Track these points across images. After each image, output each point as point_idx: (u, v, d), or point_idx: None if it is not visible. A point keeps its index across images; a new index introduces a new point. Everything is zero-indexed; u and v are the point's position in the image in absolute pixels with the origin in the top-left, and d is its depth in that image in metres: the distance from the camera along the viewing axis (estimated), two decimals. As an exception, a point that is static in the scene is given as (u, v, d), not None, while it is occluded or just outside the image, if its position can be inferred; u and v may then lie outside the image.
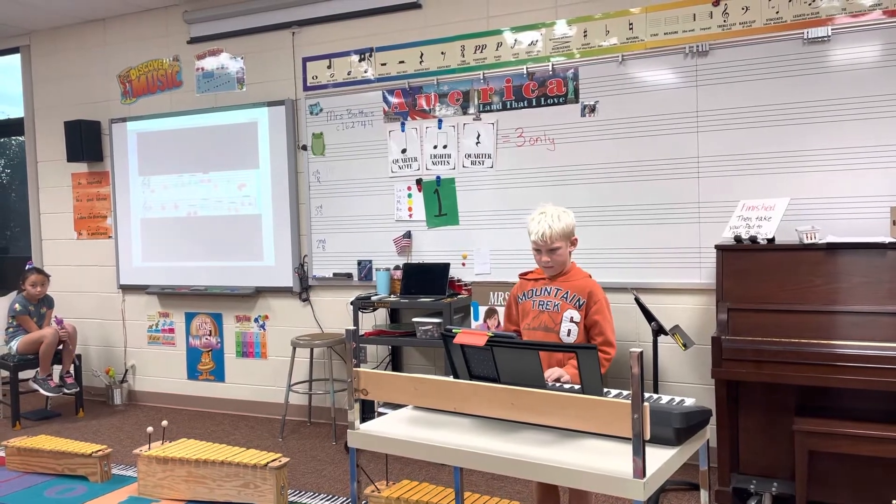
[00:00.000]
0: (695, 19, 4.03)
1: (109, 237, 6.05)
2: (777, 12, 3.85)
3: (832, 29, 3.73)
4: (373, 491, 3.39)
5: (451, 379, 2.18)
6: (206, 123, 5.53)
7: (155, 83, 5.80)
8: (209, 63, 5.56)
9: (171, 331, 5.85)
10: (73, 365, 5.56)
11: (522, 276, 2.99)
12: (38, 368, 5.37)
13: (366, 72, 4.98)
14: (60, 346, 5.46)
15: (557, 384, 2.55)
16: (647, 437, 1.72)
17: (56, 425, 5.37)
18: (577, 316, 2.80)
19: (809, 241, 3.40)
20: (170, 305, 5.85)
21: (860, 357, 3.08)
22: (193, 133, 5.59)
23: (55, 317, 5.66)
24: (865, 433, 3.05)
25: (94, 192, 6.12)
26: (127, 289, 5.98)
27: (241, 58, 5.44)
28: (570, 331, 2.80)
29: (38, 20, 5.98)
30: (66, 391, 5.46)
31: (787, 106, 3.84)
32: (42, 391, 5.39)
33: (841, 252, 3.33)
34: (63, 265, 6.27)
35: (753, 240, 3.52)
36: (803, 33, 3.78)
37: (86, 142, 5.90)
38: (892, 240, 3.29)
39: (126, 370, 6.04)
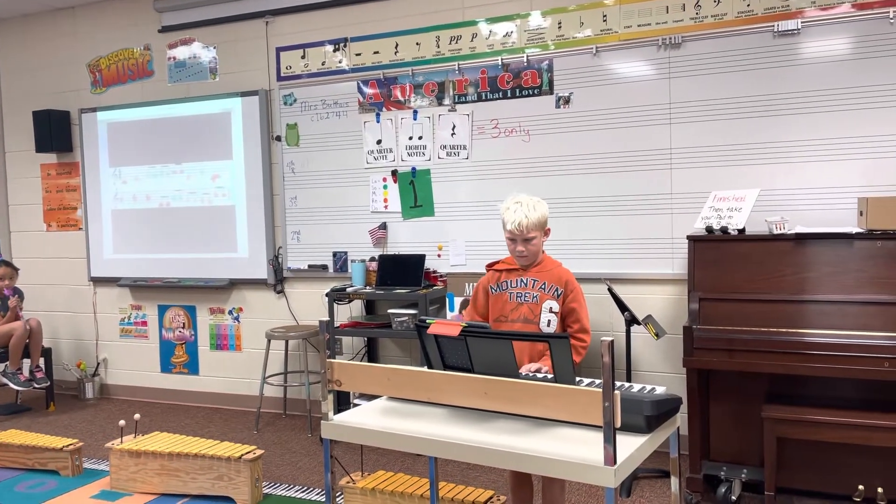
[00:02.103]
0: (668, 11, 4.06)
1: (80, 229, 5.97)
2: (748, 5, 3.88)
3: (802, 22, 3.77)
4: (348, 482, 3.39)
5: (424, 369, 2.19)
6: (179, 113, 5.47)
7: (125, 72, 5.72)
8: (181, 52, 5.50)
9: (144, 323, 5.79)
10: (42, 359, 5.48)
11: (491, 266, 2.99)
12: (8, 362, 5.29)
13: (340, 62, 4.95)
14: (28, 341, 5.38)
15: (533, 375, 2.56)
16: (618, 424, 1.74)
17: (26, 419, 5.30)
18: (555, 306, 2.81)
19: (779, 232, 3.45)
20: (142, 298, 5.79)
21: (828, 345, 3.13)
22: (165, 123, 5.52)
23: (7, 290, 5.48)
24: (833, 420, 3.11)
25: (63, 183, 6.03)
26: (98, 281, 5.90)
27: (214, 47, 5.38)
28: (549, 321, 2.81)
29: (6, 8, 5.85)
30: (35, 385, 5.38)
31: (758, 98, 3.88)
32: (12, 385, 5.31)
33: (809, 242, 3.38)
34: (33, 257, 6.17)
35: (724, 230, 3.56)
36: (774, 26, 3.82)
37: (55, 132, 5.81)
38: (860, 230, 3.35)
39: (98, 363, 5.97)
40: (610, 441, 1.73)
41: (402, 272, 4.58)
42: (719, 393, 3.61)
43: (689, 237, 3.63)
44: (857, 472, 3.33)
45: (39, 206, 6.14)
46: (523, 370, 2.62)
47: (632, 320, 3.75)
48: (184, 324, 5.64)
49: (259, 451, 3.68)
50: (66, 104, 5.92)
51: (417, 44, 4.71)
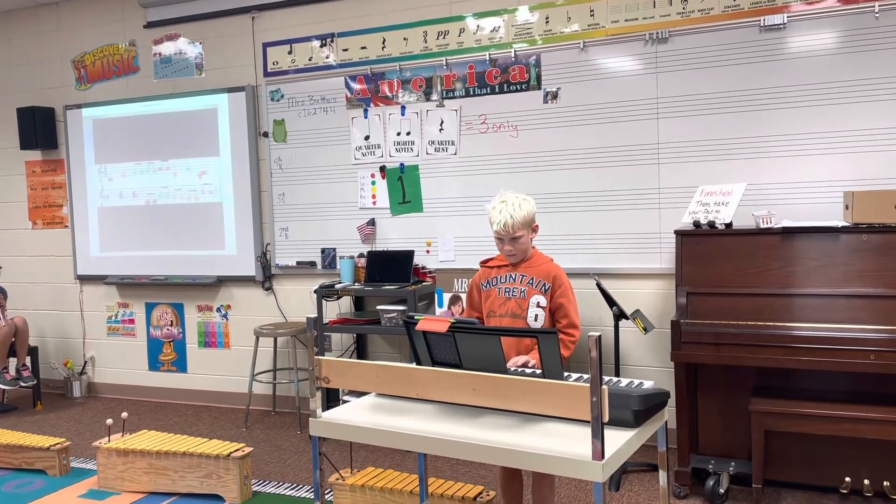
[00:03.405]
0: (654, 6, 4.06)
1: (66, 227, 5.92)
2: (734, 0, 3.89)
3: (788, 16, 3.79)
4: (337, 479, 3.38)
5: (412, 366, 2.19)
6: (165, 110, 5.43)
7: (111, 69, 5.67)
8: (167, 48, 5.45)
9: (132, 321, 5.76)
10: (28, 357, 5.44)
11: (484, 263, 3.00)
12: (-7, 361, 5.26)
13: (327, 57, 4.93)
14: (14, 339, 5.34)
15: (521, 370, 2.57)
16: (606, 419, 1.74)
17: (13, 419, 5.26)
18: (543, 301, 2.82)
19: (766, 226, 3.47)
20: (129, 296, 5.75)
21: (815, 339, 3.15)
22: (152, 120, 5.48)
23: None
24: (820, 413, 3.13)
25: (48, 180, 5.98)
26: (85, 279, 5.86)
27: (200, 43, 5.34)
28: (537, 316, 2.82)
29: (-12, 3, 5.80)
30: (22, 384, 5.34)
31: (745, 92, 3.89)
32: (-2, 384, 5.28)
33: (796, 236, 3.40)
34: (18, 256, 6.12)
35: (712, 225, 3.57)
36: (760, 21, 3.84)
37: (39, 129, 5.75)
38: (846, 224, 3.37)
39: (85, 362, 5.93)
40: (598, 436, 1.73)
41: (391, 268, 4.57)
42: (707, 387, 3.63)
43: (676, 232, 3.65)
44: (844, 465, 3.35)
45: (24, 203, 6.09)
46: (510, 364, 2.62)
47: (620, 315, 3.76)
48: (171, 321, 5.61)
49: (248, 449, 3.67)
50: (50, 101, 5.87)
51: (405, 39, 4.70)
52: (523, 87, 4.39)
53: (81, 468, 4.16)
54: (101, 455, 3.82)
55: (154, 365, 5.70)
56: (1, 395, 5.64)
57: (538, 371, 2.42)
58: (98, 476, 3.85)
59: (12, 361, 5.40)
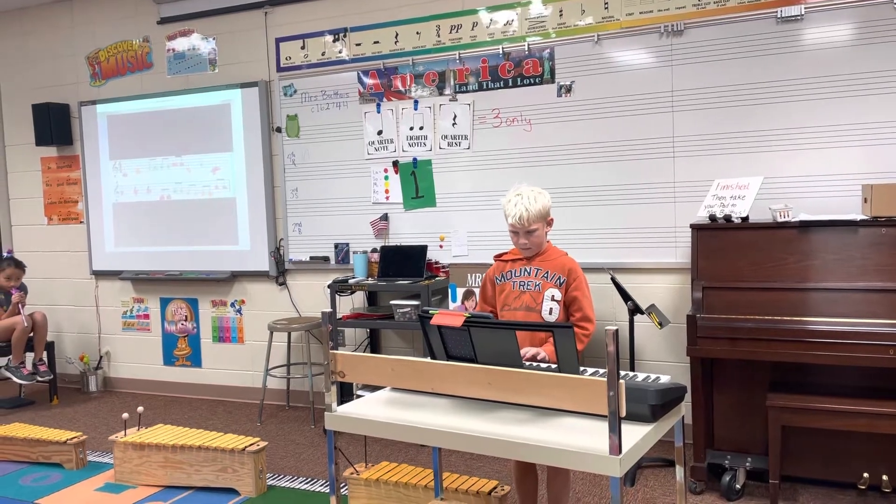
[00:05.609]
0: (670, -2, 4.03)
1: (81, 222, 5.96)
2: (751, -9, 3.86)
3: (805, 8, 3.74)
4: (352, 473, 3.39)
5: (427, 360, 2.18)
6: (178, 105, 5.45)
7: (125, 65, 5.69)
8: (180, 44, 5.47)
9: (146, 316, 5.79)
10: (45, 352, 5.48)
11: (498, 257, 2.99)
12: (11, 356, 5.29)
13: (340, 52, 4.92)
14: (32, 334, 5.38)
15: (534, 363, 2.56)
16: (623, 414, 1.73)
17: (30, 413, 5.30)
18: (557, 294, 2.80)
19: (782, 220, 3.43)
20: (144, 291, 5.78)
21: (832, 333, 3.12)
22: (165, 115, 5.50)
23: (13, 290, 5.47)
24: (837, 408, 3.10)
25: (64, 176, 6.02)
26: (100, 274, 5.89)
27: (213, 38, 5.35)
28: (551, 309, 2.80)
29: (3, 1, 5.82)
30: (39, 378, 5.38)
31: (761, 85, 3.85)
32: (15, 379, 5.31)
33: (813, 230, 3.36)
34: (34, 251, 6.16)
35: (728, 219, 3.54)
36: (776, 12, 3.79)
37: (54, 125, 5.79)
38: (864, 217, 3.33)
39: (101, 357, 5.97)
40: (615, 430, 1.72)
41: (404, 263, 4.57)
42: (723, 381, 3.60)
43: (692, 226, 3.62)
44: (862, 460, 3.32)
45: (40, 199, 6.13)
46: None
47: (635, 310, 3.73)
48: (186, 316, 5.64)
49: (263, 443, 3.68)
50: (65, 97, 5.90)
51: (417, 33, 4.68)
52: (537, 80, 4.37)
53: (98, 462, 4.19)
54: (118, 449, 3.84)
55: (169, 360, 5.73)
56: (18, 389, 5.69)
57: (552, 365, 2.41)
58: (114, 470, 3.88)
59: (29, 356, 5.44)
